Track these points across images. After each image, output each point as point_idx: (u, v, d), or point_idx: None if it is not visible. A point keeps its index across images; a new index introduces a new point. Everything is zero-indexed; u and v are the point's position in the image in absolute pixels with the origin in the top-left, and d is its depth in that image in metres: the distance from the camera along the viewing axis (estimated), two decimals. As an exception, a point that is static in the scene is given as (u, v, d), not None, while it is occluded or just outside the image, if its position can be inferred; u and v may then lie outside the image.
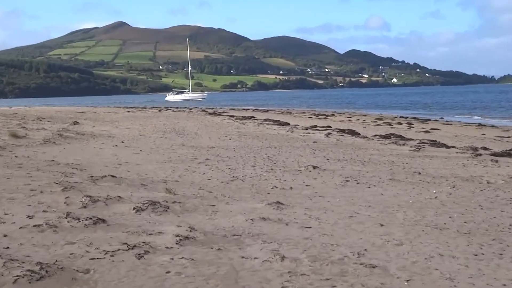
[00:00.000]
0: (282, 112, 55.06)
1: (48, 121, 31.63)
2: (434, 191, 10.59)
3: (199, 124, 32.99)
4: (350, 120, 39.57)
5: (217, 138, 22.87)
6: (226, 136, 23.54)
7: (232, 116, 44.22)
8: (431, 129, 29.86)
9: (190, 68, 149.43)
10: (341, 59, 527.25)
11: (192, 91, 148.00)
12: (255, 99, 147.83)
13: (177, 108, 71.97)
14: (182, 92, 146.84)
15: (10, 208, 7.93)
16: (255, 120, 37.27)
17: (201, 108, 71.02)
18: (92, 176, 11.11)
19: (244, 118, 40.33)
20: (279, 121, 35.43)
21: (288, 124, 32.66)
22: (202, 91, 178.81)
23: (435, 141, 21.28)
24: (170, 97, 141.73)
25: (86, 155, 15.60)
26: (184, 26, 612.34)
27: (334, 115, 48.33)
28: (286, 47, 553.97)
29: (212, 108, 71.92)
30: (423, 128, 30.53)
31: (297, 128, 29.41)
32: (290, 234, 7.14)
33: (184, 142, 20.19)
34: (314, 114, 49.34)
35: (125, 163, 14.07)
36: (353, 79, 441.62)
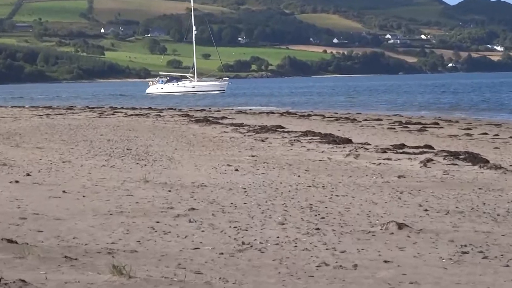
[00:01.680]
0: (336, 119, 55.16)
1: None
2: None
3: (177, 141, 33.09)
4: (468, 134, 39.47)
5: (212, 167, 22.96)
6: (229, 165, 23.62)
7: (241, 125, 44.27)
8: None
9: (193, 32, 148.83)
10: (452, 16, 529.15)
11: (191, 76, 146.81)
12: (285, 92, 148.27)
13: (135, 111, 72.05)
14: (179, 80, 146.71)
15: None
16: (285, 134, 37.33)
17: (180, 110, 71.29)
18: (-29, 241, 11.19)
19: (264, 129, 40.37)
20: (331, 135, 35.43)
21: (350, 141, 32.65)
22: (214, 75, 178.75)
23: None
24: (154, 87, 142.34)
25: (-40, 199, 15.72)
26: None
27: (438, 124, 48.22)
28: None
29: (202, 110, 72.19)
30: None
31: (366, 149, 29.38)
32: None
33: (148, 176, 20.22)
34: (399, 122, 49.27)
35: (33, 215, 14.16)
36: (474, 55, 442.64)
